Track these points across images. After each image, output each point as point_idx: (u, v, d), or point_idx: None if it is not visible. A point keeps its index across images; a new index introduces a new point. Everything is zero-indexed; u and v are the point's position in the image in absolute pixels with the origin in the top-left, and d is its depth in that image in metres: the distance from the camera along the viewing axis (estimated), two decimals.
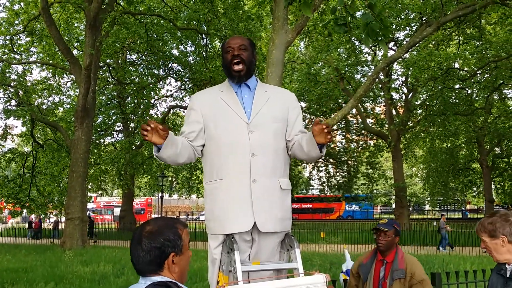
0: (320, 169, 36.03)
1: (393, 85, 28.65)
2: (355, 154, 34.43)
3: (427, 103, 29.46)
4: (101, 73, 26.26)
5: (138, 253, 1.64)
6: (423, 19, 22.52)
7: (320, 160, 35.12)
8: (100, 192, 34.89)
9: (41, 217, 30.70)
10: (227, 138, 2.64)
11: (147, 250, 1.63)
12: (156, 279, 1.62)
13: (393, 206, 46.22)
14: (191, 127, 2.73)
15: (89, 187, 29.21)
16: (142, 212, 57.58)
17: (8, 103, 23.82)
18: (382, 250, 3.46)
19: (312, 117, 30.68)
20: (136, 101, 28.04)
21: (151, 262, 1.64)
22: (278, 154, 2.72)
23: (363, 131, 32.81)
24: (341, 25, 4.80)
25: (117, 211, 47.16)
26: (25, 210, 25.65)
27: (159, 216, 1.77)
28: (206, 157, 2.76)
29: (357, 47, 26.68)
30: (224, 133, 2.65)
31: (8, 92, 23.78)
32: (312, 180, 41.26)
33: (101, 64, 24.03)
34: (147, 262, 1.64)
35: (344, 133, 34.93)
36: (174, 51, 26.73)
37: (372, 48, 27.15)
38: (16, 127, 36.85)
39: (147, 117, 27.49)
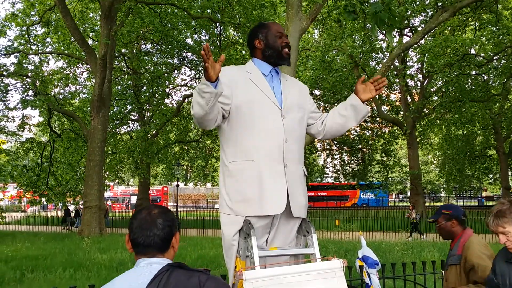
0: (335, 157, 35.92)
1: (408, 72, 28.36)
2: (370, 141, 34.23)
3: (443, 89, 29.15)
4: (116, 63, 26.41)
5: (153, 232, 1.74)
6: (439, 4, 22.21)
7: (335, 148, 35.03)
8: (116, 180, 35.25)
9: (77, 206, 30.89)
10: (262, 122, 2.63)
11: (161, 228, 1.75)
12: (165, 261, 1.73)
13: (408, 193, 46.02)
14: (221, 99, 2.57)
15: (106, 175, 29.53)
16: (158, 200, 58.11)
17: (25, 94, 24.09)
18: (445, 238, 3.38)
19: (326, 105, 30.57)
20: (151, 90, 28.18)
21: (164, 239, 1.76)
22: (301, 142, 2.79)
23: (378, 119, 32.57)
24: (350, 12, 4.80)
25: (133, 199, 47.65)
26: (43, 199, 26.01)
27: (156, 205, 1.85)
28: (231, 137, 2.67)
29: (376, 30, 26.41)
30: (259, 117, 2.63)
31: (25, 82, 24.03)
32: (327, 168, 41.15)
33: (116, 54, 24.16)
34: (162, 240, 1.75)
35: None
36: (189, 40, 26.76)
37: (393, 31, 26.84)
38: (34, 117, 37.24)
39: (162, 106, 27.62)
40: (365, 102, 2.82)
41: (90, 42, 25.63)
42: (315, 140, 30.77)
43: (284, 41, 2.81)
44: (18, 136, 25.94)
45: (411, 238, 19.64)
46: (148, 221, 1.76)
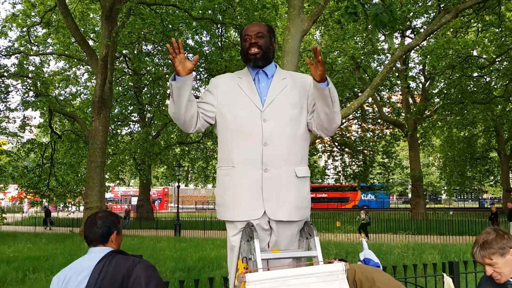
0: (336, 158, 35.91)
1: (410, 74, 28.38)
2: (371, 143, 34.21)
3: (445, 91, 29.14)
4: (117, 64, 26.40)
5: (94, 229, 2.48)
6: (441, 6, 22.19)
7: (336, 149, 35.00)
8: (117, 182, 35.25)
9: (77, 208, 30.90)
10: (239, 126, 2.65)
11: (100, 227, 2.48)
12: (108, 249, 2.45)
13: (409, 195, 45.97)
14: (205, 106, 2.77)
15: (107, 177, 29.52)
16: (159, 201, 58.07)
17: (26, 95, 24.09)
18: None
19: None
20: (152, 91, 28.19)
21: (102, 235, 2.48)
22: (295, 142, 2.68)
23: (379, 120, 32.57)
24: (351, 14, 4.77)
25: (134, 200, 47.63)
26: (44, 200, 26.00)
27: (106, 210, 2.75)
28: (220, 143, 2.79)
29: (377, 33, 26.39)
30: (237, 120, 2.66)
31: (26, 83, 24.03)
32: (328, 169, 41.13)
33: (117, 55, 24.15)
34: (100, 235, 2.47)
35: (360, 122, 34.72)
36: (190, 41, 26.76)
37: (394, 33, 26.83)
38: (34, 118, 37.17)
39: (163, 107, 27.62)
40: (324, 82, 2.52)
41: (91, 43, 25.64)
42: (316, 141, 30.76)
43: (248, 42, 2.76)
44: (19, 137, 25.95)
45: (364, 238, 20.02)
46: (92, 222, 2.50)
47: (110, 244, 2.48)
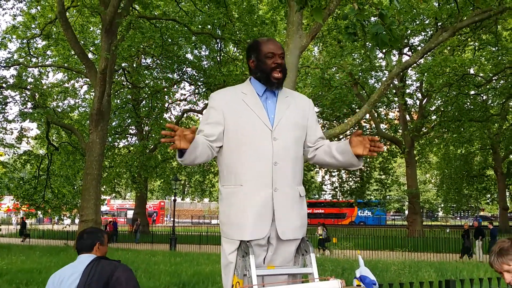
0: (333, 174, 35.89)
1: (407, 91, 28.52)
2: (368, 159, 34.24)
3: (442, 109, 29.26)
4: (116, 77, 26.45)
5: (81, 241, 3.09)
6: (439, 24, 22.41)
7: None
8: (113, 194, 35.12)
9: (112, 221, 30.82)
10: (250, 145, 2.59)
11: (85, 239, 3.09)
12: (93, 256, 3.00)
13: (406, 212, 45.88)
14: (211, 129, 2.63)
15: (103, 189, 29.40)
16: (155, 214, 57.80)
17: (24, 106, 24.08)
18: None
19: (325, 122, 30.60)
20: (150, 104, 28.19)
21: (88, 246, 3.06)
22: (297, 162, 2.70)
23: (376, 137, 32.62)
24: (350, 34, 4.80)
25: (130, 213, 47.41)
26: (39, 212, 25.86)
27: (93, 227, 3.38)
28: (224, 160, 2.68)
29: (375, 50, 26.59)
30: (248, 139, 2.60)
31: (24, 95, 24.02)
32: (325, 185, 41.08)
33: (116, 68, 24.21)
34: (85, 246, 3.07)
35: None
36: (189, 55, 26.86)
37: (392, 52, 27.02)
38: (32, 129, 37.17)
39: (161, 121, 27.63)
40: (361, 158, 2.65)
41: (90, 55, 25.70)
42: None
43: (275, 61, 2.66)
44: (15, 149, 25.87)
45: (321, 253, 21.27)
46: (81, 235, 3.13)
47: (95, 252, 3.06)
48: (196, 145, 2.44)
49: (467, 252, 19.71)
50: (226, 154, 2.66)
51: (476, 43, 25.71)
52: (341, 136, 29.43)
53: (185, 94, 39.16)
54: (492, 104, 29.57)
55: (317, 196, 50.75)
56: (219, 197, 2.72)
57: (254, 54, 2.74)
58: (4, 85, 22.55)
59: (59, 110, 27.04)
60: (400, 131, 31.13)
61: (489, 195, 43.91)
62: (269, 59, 2.68)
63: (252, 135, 2.60)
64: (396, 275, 11.99)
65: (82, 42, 24.77)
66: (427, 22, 24.82)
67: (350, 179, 35.30)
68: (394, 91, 29.03)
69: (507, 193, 39.22)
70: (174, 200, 28.17)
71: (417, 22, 25.10)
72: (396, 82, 26.74)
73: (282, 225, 2.57)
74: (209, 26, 21.08)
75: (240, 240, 2.53)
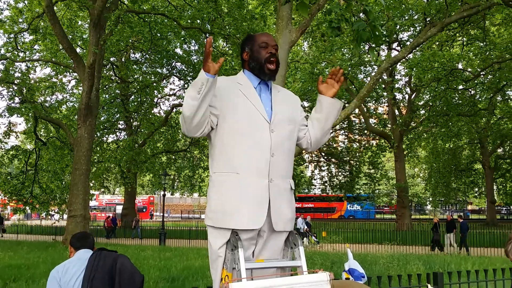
0: (322, 168, 36.03)
1: (396, 86, 28.61)
2: (357, 154, 34.40)
3: (430, 103, 29.46)
4: (104, 72, 26.28)
5: (88, 240, 3.56)
6: (427, 19, 22.49)
7: (322, 159, 35.11)
8: (102, 190, 34.96)
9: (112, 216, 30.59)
10: (250, 136, 2.59)
11: (90, 239, 3.59)
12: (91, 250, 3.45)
13: (395, 206, 46.17)
14: (210, 109, 2.59)
15: (92, 184, 29.27)
16: (144, 210, 57.67)
17: (11, 101, 23.85)
18: None
19: None
20: (139, 99, 28.11)
21: (91, 244, 3.56)
22: (290, 156, 2.73)
23: (365, 131, 32.78)
24: (334, 28, 4.81)
25: (119, 208, 47.26)
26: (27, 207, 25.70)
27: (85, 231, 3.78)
28: (219, 147, 2.66)
29: (362, 47, 26.64)
30: (246, 129, 2.60)
31: (11, 89, 23.78)
32: (314, 179, 41.23)
33: (104, 63, 24.06)
34: (90, 244, 3.54)
35: (346, 133, 34.92)
36: (178, 50, 26.77)
37: (376, 48, 27.10)
38: (20, 124, 36.91)
39: (150, 116, 27.53)
40: (335, 97, 2.77)
41: (78, 50, 25.49)
42: (303, 151, 30.81)
43: (268, 51, 2.71)
44: (3, 144, 25.63)
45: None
46: (85, 235, 3.64)
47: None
48: (212, 95, 2.50)
49: (437, 245, 19.98)
50: (223, 141, 2.64)
51: (464, 38, 25.87)
52: (331, 131, 29.54)
53: (174, 89, 39.06)
54: (480, 99, 29.81)
55: (306, 190, 50.95)
56: (210, 184, 2.69)
57: (249, 45, 2.77)
58: None
59: (47, 105, 26.81)
60: (389, 125, 31.29)
61: (477, 189, 44.32)
62: (264, 49, 2.72)
63: (251, 125, 2.61)
64: (385, 268, 12.08)
65: (70, 36, 24.56)
66: (415, 17, 24.90)
67: (340, 173, 35.47)
68: (383, 85, 29.16)
69: (495, 187, 39.60)
70: (164, 195, 28.12)
71: (406, 18, 25.18)
72: (385, 77, 26.84)
73: (276, 216, 2.58)
74: (198, 21, 21.00)
75: (232, 229, 2.52)
